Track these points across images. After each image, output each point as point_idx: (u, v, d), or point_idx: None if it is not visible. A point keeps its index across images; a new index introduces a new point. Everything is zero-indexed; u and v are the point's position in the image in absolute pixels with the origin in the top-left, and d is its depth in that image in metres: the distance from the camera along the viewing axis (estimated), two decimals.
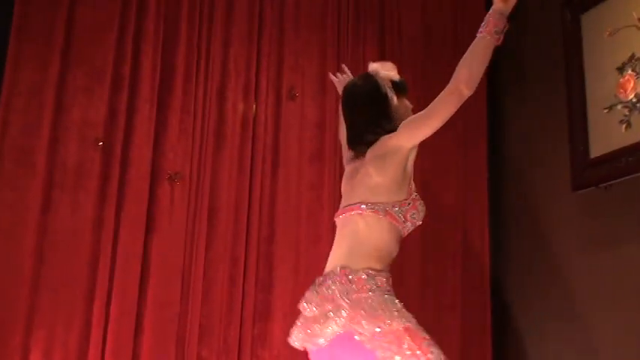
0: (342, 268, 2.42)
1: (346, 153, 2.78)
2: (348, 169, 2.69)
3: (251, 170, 3.79)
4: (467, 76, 2.36)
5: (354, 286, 2.37)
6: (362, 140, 2.58)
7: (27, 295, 3.32)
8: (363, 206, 2.48)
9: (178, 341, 3.49)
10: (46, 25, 3.56)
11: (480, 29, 2.40)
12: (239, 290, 3.63)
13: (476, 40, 2.40)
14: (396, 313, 2.31)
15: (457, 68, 2.39)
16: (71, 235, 3.43)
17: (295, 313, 3.68)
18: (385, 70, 2.60)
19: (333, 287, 2.40)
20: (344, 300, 2.35)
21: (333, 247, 2.58)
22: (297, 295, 3.69)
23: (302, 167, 3.90)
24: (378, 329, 2.27)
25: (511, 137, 4.29)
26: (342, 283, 2.38)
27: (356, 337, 2.30)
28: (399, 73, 2.66)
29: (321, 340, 2.39)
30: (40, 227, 3.39)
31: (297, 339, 2.54)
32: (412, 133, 2.47)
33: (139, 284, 3.48)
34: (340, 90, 2.87)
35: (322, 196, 3.88)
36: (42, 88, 3.50)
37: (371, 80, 2.58)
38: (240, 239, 3.69)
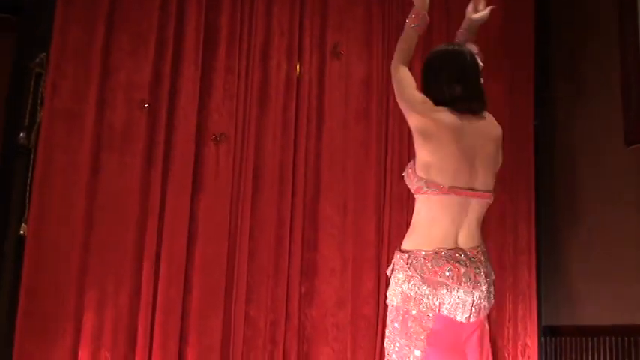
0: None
1: (432, 111, 2.48)
2: (461, 142, 2.42)
3: (295, 130, 3.78)
4: None
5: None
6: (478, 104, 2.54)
7: (79, 256, 3.41)
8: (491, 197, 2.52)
9: (226, 300, 3.53)
10: None
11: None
12: (285, 249, 3.65)
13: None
14: None
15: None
16: (120, 196, 3.50)
17: (341, 271, 3.73)
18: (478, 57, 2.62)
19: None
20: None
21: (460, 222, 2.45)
22: (344, 254, 3.73)
23: (348, 126, 3.85)
24: None
25: (562, 91, 4.17)
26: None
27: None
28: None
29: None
30: (90, 189, 3.47)
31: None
32: None
33: (186, 244, 3.53)
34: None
35: (370, 155, 3.84)
36: (88, 52, 3.56)
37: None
38: (286, 199, 3.70)
